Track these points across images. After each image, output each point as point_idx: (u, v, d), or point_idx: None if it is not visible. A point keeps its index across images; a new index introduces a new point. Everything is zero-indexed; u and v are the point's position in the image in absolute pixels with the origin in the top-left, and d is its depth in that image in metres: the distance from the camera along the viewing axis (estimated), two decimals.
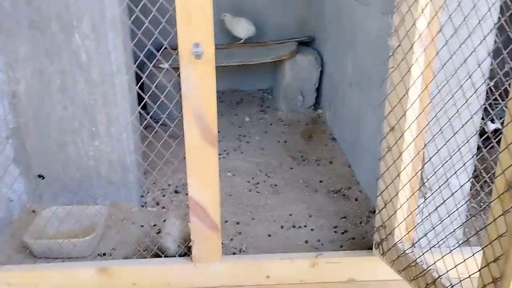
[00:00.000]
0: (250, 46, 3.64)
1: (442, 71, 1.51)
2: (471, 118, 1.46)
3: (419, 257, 1.59)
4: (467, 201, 1.85)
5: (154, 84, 1.75)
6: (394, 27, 1.54)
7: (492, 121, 2.07)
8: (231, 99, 3.84)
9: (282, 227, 2.26)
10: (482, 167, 1.55)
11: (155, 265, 1.82)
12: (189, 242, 1.80)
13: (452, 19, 1.39)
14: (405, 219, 1.67)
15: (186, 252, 1.86)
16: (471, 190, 1.88)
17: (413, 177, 1.62)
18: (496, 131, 2.01)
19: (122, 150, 2.29)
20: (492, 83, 1.57)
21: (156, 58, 1.88)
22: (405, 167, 1.61)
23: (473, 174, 1.81)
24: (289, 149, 3.04)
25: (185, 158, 1.71)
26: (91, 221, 2.12)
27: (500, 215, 1.17)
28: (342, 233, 2.21)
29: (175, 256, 1.87)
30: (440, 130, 1.48)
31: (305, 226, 2.27)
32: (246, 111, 3.62)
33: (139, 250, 1.96)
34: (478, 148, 1.78)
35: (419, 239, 1.67)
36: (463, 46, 1.37)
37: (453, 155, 1.53)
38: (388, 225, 1.74)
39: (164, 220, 2.12)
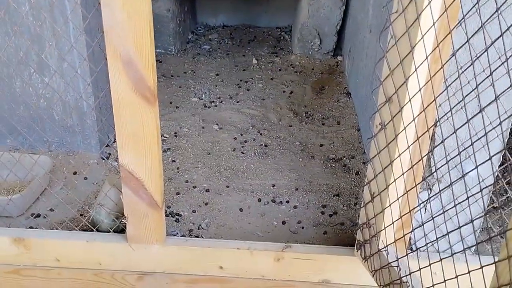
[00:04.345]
0: None
1: (471, 18, 1.03)
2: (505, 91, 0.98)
3: (405, 276, 1.18)
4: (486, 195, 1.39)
5: None
6: None
7: None
8: (242, 37, 3.37)
9: (259, 200, 1.87)
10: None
11: (81, 241, 1.48)
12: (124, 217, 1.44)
13: None
14: (393, 222, 1.24)
15: (123, 228, 1.50)
16: (494, 186, 1.41)
17: (411, 167, 1.17)
18: None
19: (78, 91, 1.92)
20: None
21: None
22: (399, 154, 1.16)
23: (499, 165, 1.34)
24: (293, 102, 2.59)
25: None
26: (35, 172, 1.79)
27: None
28: (330, 215, 1.81)
29: (109, 232, 1.53)
30: (459, 103, 1.01)
31: (287, 201, 1.87)
32: (255, 52, 3.15)
33: (64, 221, 1.62)
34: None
35: (414, 250, 1.24)
36: None
37: (476, 141, 1.06)
38: (374, 224, 1.32)
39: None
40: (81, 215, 1.68)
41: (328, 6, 2.86)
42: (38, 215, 1.71)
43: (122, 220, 1.45)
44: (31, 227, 1.64)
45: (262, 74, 2.88)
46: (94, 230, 1.53)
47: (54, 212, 1.74)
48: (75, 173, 1.94)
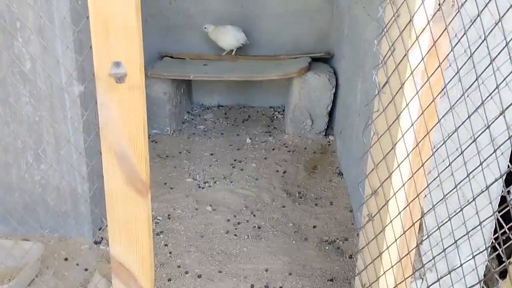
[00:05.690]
0: (258, 59, 3.24)
1: (446, 118, 1.08)
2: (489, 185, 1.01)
3: None
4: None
5: None
6: (381, 56, 1.11)
7: None
8: (237, 116, 3.45)
9: (252, 286, 1.85)
10: (502, 248, 1.10)
11: None
12: None
13: (464, 47, 0.95)
14: None
15: None
16: (485, 276, 1.41)
17: (399, 260, 1.18)
18: None
19: (73, 177, 1.95)
20: None
21: None
22: (388, 247, 1.17)
23: (489, 255, 1.35)
24: (287, 181, 2.62)
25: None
26: (25, 260, 1.78)
27: None
28: None
29: None
30: (443, 198, 1.04)
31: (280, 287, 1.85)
32: (249, 131, 3.22)
33: None
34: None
35: None
36: (476, 83, 0.93)
37: (461, 236, 1.08)
38: None
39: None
40: None
41: (319, 89, 2.96)
42: None
43: None
44: None
45: (256, 154, 2.93)
46: None
47: None
48: (66, 259, 1.93)
